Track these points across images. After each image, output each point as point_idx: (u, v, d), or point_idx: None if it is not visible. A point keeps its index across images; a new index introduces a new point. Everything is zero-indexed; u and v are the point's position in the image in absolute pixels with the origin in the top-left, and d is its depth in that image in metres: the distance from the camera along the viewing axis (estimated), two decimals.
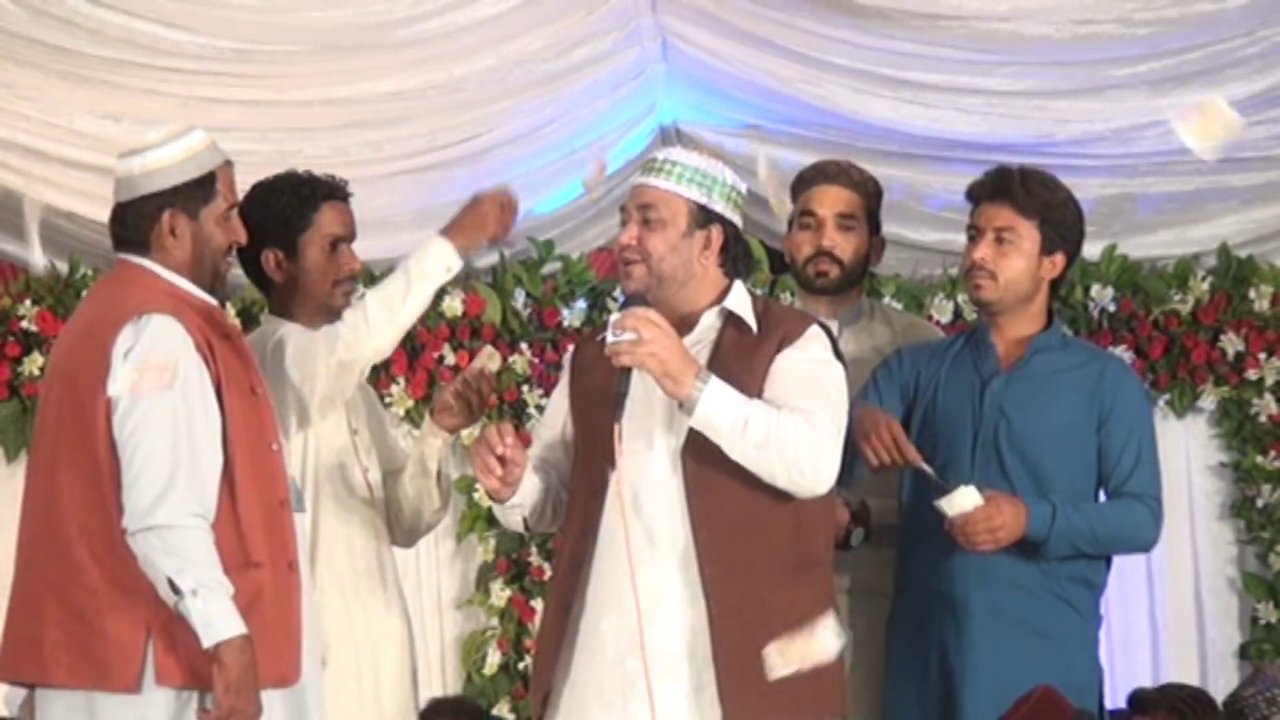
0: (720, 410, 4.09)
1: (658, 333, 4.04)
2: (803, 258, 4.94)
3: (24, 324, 6.34)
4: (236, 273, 4.58)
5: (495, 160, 6.48)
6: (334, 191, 4.54)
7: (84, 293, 5.99)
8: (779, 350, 4.21)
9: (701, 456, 4.13)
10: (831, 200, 4.91)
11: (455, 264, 4.47)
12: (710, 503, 4.15)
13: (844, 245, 4.89)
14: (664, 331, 4.05)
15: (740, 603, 4.14)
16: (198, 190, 4.13)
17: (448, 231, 4.47)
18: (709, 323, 4.22)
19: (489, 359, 4.73)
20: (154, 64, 6.02)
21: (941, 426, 4.83)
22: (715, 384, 4.08)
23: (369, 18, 6.06)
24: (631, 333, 4.03)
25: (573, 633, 4.20)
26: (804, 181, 5.03)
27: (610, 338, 4.06)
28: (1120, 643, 6.86)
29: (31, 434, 4.39)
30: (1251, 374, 7.01)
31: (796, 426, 4.11)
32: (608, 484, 4.17)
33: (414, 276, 4.42)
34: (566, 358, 4.64)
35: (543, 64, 6.32)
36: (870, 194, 5.03)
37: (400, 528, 4.66)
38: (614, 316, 4.11)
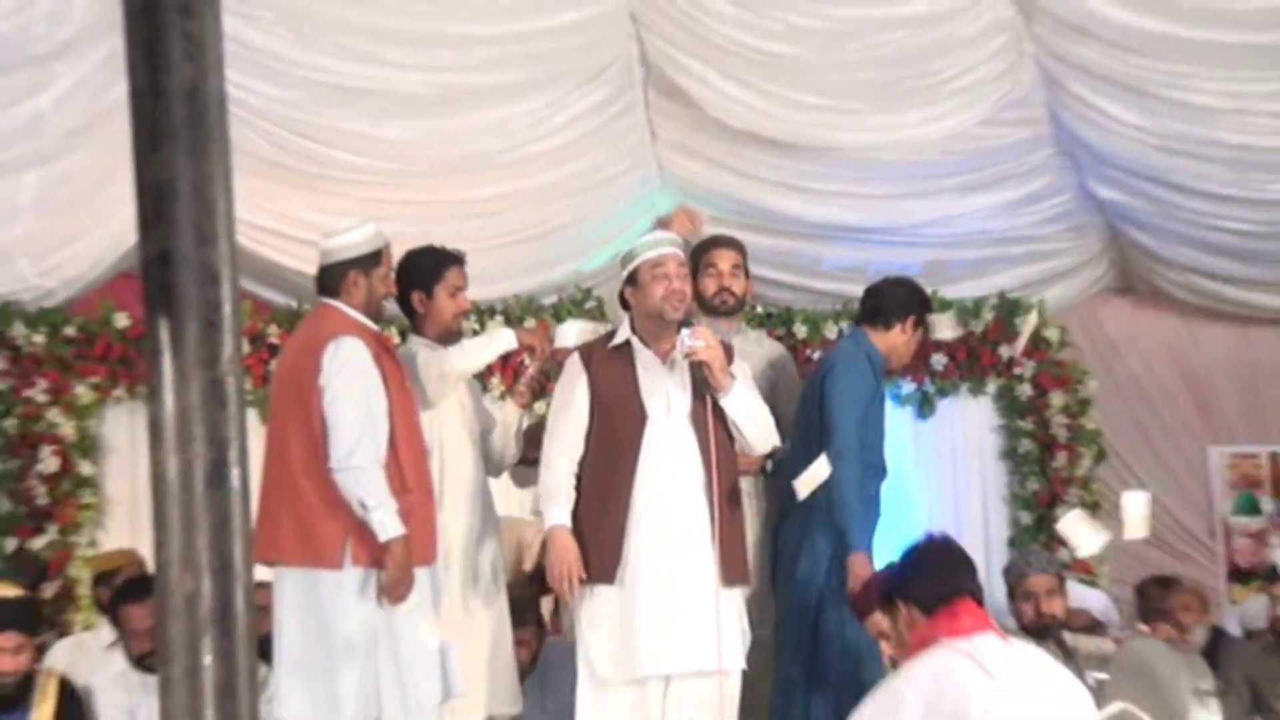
0: (742, 396, 4.36)
1: (716, 341, 4.32)
2: (710, 293, 5.06)
3: (271, 339, 6.46)
4: (395, 309, 4.72)
5: (554, 239, 6.77)
6: (457, 259, 4.70)
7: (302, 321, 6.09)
8: (730, 361, 4.41)
9: (701, 424, 4.34)
10: (728, 257, 5.09)
11: (512, 345, 4.71)
12: (718, 454, 4.32)
13: (736, 286, 5.08)
14: (718, 342, 4.33)
15: (730, 518, 4.38)
16: (371, 260, 4.38)
17: (516, 329, 4.85)
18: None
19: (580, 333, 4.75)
20: (345, 177, 6.28)
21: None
22: (740, 379, 4.36)
23: (478, 149, 6.38)
24: (702, 341, 4.26)
25: (624, 532, 4.32)
26: (703, 248, 5.11)
27: (689, 342, 4.25)
28: None
29: (269, 409, 4.54)
30: (1017, 370, 7.30)
31: (764, 412, 4.45)
32: (642, 437, 4.32)
33: (491, 342, 4.70)
34: (574, 366, 4.49)
35: (585, 178, 6.62)
36: (745, 254, 5.14)
37: (491, 463, 4.77)
38: (686, 330, 4.29)
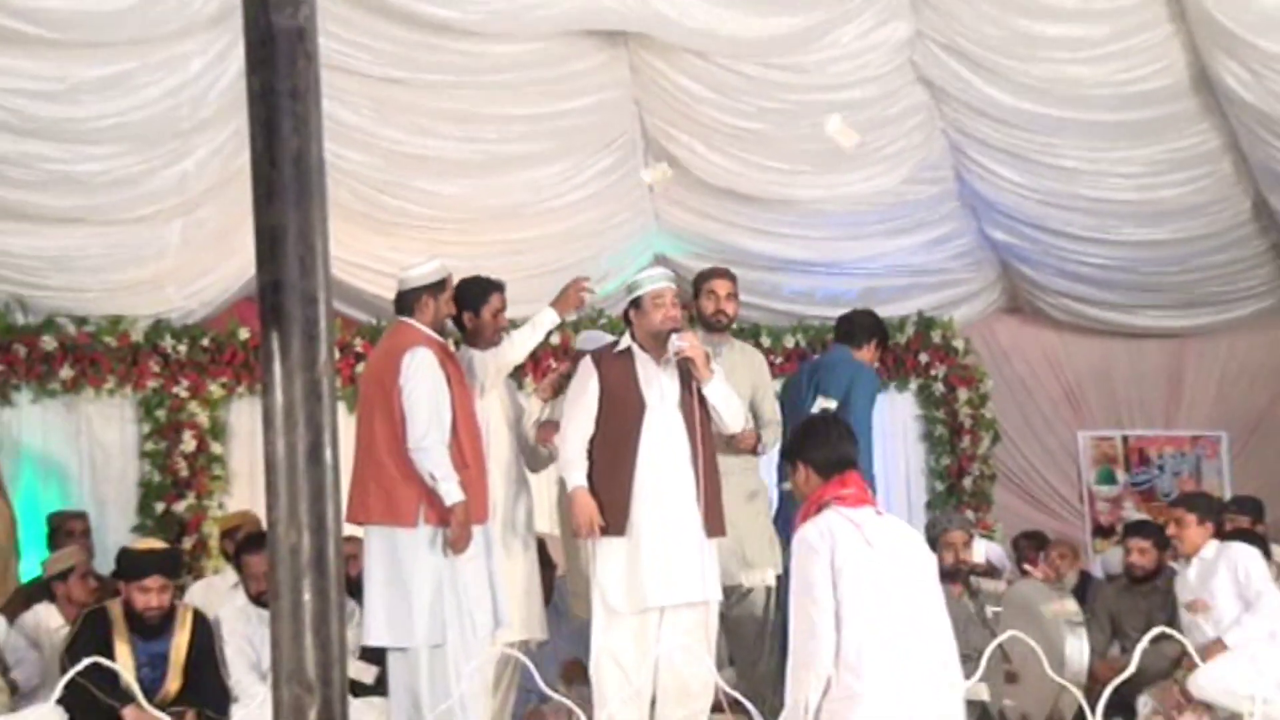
0: (719, 386, 4.30)
1: (700, 344, 4.30)
2: (709, 312, 4.93)
3: (356, 349, 6.37)
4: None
5: (573, 271, 5.94)
6: (499, 286, 4.63)
7: (383, 334, 6.02)
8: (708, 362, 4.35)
9: (688, 409, 4.30)
10: (724, 285, 4.95)
11: (555, 322, 4.56)
12: (702, 433, 4.27)
13: (730, 308, 4.95)
14: (701, 344, 4.32)
15: (712, 481, 4.31)
16: (438, 287, 4.32)
17: (554, 304, 4.51)
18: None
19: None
20: (414, 224, 6.24)
21: None
22: (717, 373, 4.32)
23: (514, 202, 6.36)
24: (687, 342, 4.24)
25: (630, 495, 4.26)
26: (705, 277, 5.03)
27: (678, 343, 4.24)
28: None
29: (357, 402, 4.47)
30: (933, 372, 7.27)
31: (736, 399, 4.39)
32: (643, 421, 4.26)
33: (535, 327, 4.51)
34: (587, 365, 4.38)
35: (597, 225, 6.60)
36: (736, 282, 5.04)
37: (520, 442, 4.67)
38: (675, 335, 4.26)
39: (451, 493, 4.09)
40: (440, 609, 4.14)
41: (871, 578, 3.12)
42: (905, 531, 3.34)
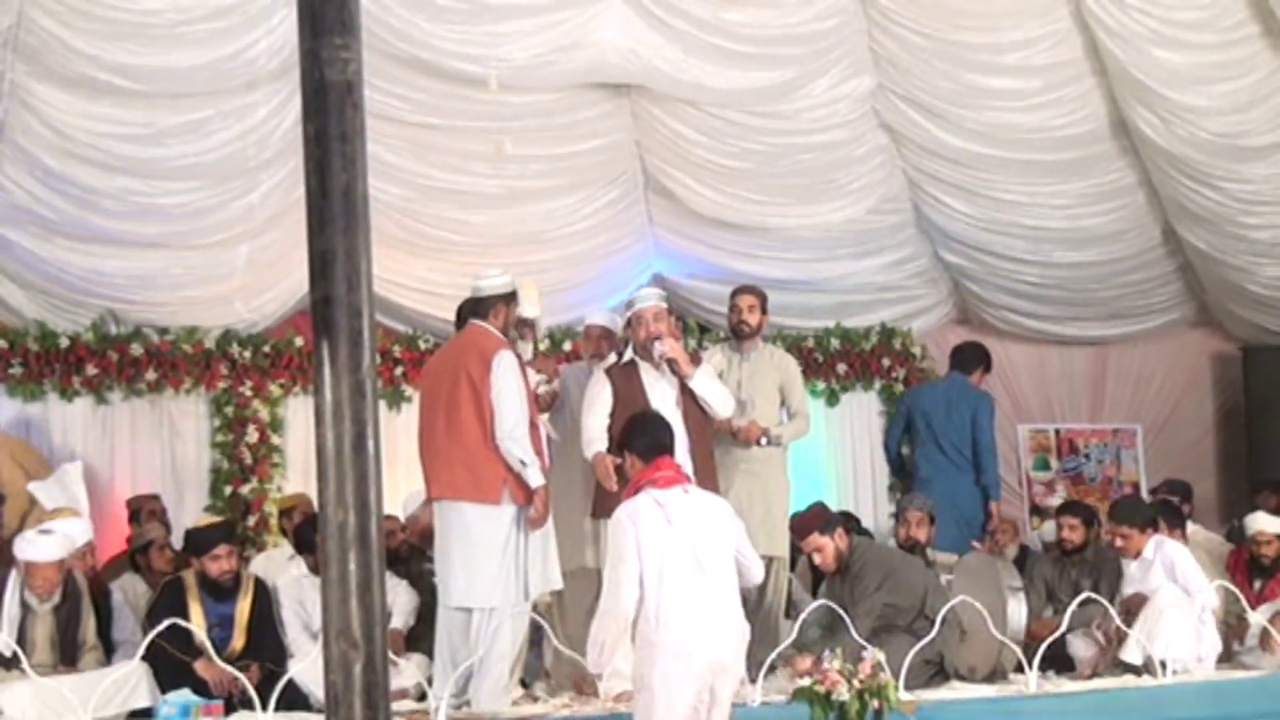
0: (703, 380, 4.38)
1: (679, 347, 4.40)
2: (732, 322, 5.06)
3: (395, 355, 6.23)
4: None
5: (583, 289, 6.46)
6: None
7: (422, 344, 6.14)
8: (697, 365, 4.53)
9: (683, 405, 4.39)
10: (746, 300, 5.05)
11: (542, 379, 4.59)
12: (695, 424, 4.35)
13: (752, 319, 5.02)
14: (680, 347, 4.42)
15: (706, 462, 4.35)
16: (510, 296, 4.30)
17: (536, 368, 4.50)
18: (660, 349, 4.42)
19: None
20: (446, 249, 6.12)
21: None
22: (702, 369, 4.41)
23: (533, 229, 6.26)
24: (667, 346, 4.33)
25: None
26: (733, 294, 5.14)
27: (660, 348, 4.35)
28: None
29: (425, 397, 4.30)
30: (894, 374, 7.07)
31: (721, 390, 4.46)
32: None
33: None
34: (600, 377, 4.50)
35: (604, 249, 6.48)
36: (762, 298, 5.12)
37: None
38: (658, 341, 4.36)
39: (537, 477, 4.07)
40: (513, 575, 4.12)
41: (668, 550, 3.20)
42: (707, 506, 3.37)
